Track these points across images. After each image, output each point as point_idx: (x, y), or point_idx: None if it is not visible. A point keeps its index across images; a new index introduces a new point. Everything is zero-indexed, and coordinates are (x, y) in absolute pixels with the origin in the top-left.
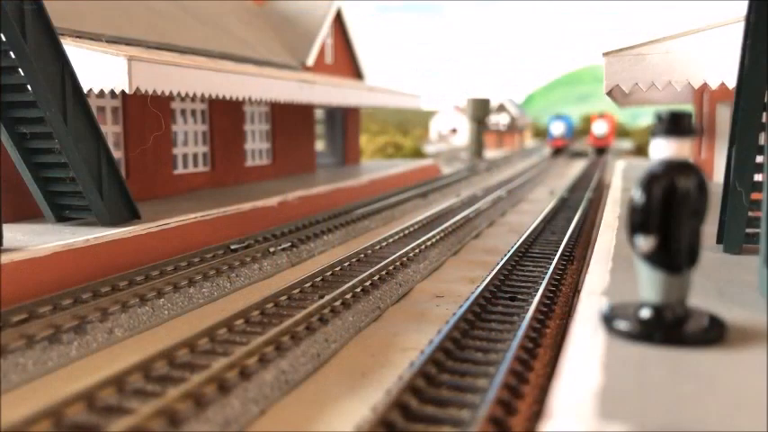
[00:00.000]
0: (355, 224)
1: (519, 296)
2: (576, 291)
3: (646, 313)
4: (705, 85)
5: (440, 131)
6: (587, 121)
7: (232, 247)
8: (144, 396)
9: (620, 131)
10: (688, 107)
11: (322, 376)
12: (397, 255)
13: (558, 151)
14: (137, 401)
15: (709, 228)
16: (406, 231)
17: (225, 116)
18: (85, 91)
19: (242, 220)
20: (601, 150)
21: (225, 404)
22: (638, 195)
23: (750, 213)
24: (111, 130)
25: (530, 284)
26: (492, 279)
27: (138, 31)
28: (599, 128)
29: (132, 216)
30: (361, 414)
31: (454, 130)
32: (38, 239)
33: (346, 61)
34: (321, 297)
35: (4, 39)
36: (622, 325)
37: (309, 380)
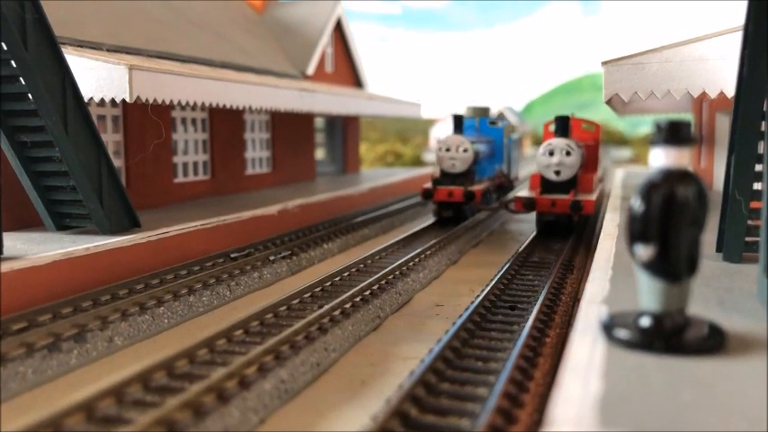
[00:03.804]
0: (355, 232)
1: (519, 305)
2: (575, 299)
3: (645, 322)
4: (704, 94)
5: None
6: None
7: (232, 255)
8: (143, 406)
9: (619, 140)
10: (687, 116)
11: (322, 385)
12: (397, 264)
13: (447, 216)
14: (135, 412)
15: (709, 236)
16: (406, 240)
17: (225, 125)
18: (86, 100)
19: (242, 229)
20: (555, 225)
21: (224, 413)
22: (637, 204)
23: (750, 222)
24: (111, 138)
25: (530, 293)
26: (492, 288)
27: (139, 40)
28: (554, 159)
29: (132, 224)
30: (361, 423)
31: None
32: (38, 248)
33: (346, 70)
34: (320, 307)
35: (5, 47)
36: (622, 333)
37: (309, 389)
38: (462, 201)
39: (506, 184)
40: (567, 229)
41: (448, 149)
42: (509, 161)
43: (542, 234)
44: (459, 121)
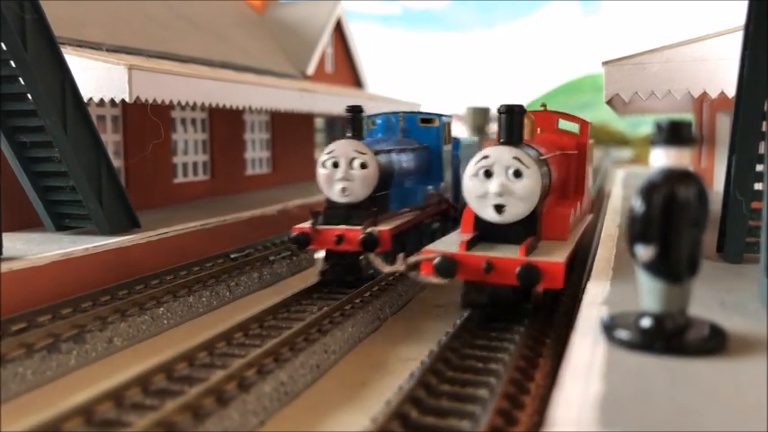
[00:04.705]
0: None
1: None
2: (576, 300)
3: (646, 323)
4: (705, 95)
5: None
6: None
7: (232, 255)
8: (142, 409)
9: (620, 140)
10: (688, 116)
11: (322, 387)
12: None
13: (334, 277)
14: (135, 414)
15: (710, 237)
16: None
17: (225, 125)
18: (86, 100)
19: (242, 229)
20: (495, 308)
21: (224, 416)
22: (638, 205)
23: (750, 222)
24: (111, 138)
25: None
26: None
27: (139, 40)
28: (492, 185)
29: (132, 225)
30: (361, 424)
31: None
32: (37, 248)
33: (346, 70)
34: (320, 309)
35: (4, 47)
36: (623, 334)
37: (309, 390)
38: (359, 250)
39: (451, 213)
40: (520, 314)
41: (335, 165)
42: (456, 179)
43: (477, 309)
44: (356, 117)
